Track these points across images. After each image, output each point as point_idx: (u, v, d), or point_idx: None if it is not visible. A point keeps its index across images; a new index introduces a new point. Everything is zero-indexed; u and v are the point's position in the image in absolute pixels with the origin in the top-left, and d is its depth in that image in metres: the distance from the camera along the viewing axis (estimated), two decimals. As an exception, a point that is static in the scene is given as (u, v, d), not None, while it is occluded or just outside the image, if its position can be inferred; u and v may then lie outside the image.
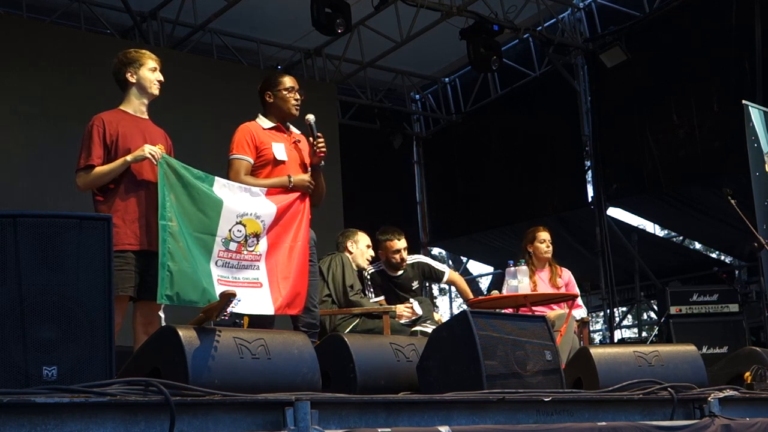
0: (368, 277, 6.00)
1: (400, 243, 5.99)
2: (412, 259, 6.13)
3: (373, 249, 6.01)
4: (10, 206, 6.74)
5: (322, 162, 4.64)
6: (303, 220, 4.45)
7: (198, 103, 9.07)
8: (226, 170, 4.48)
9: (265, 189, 4.33)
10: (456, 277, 6.43)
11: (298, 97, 4.66)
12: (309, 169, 4.65)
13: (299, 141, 4.69)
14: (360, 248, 5.81)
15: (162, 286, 3.75)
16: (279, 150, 4.54)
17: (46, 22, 8.99)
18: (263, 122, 4.64)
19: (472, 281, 13.24)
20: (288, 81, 4.67)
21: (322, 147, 4.59)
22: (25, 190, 7.97)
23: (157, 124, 4.41)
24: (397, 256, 5.96)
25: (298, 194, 4.45)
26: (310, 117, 4.62)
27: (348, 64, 10.81)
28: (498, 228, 11.59)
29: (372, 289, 5.97)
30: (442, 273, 6.22)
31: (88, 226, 2.91)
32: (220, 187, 4.13)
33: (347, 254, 5.73)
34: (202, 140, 8.04)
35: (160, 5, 9.40)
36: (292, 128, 4.74)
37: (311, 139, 4.63)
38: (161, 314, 3.92)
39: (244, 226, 4.15)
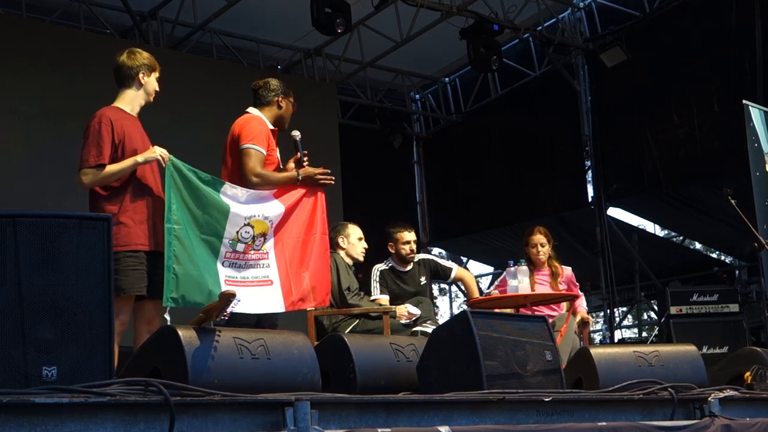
0: (377, 273, 6.00)
1: (410, 235, 6.04)
2: (418, 257, 6.16)
3: (386, 244, 6.02)
4: (10, 206, 6.74)
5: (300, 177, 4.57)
6: (317, 212, 4.42)
7: (198, 103, 9.06)
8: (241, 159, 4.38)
9: (274, 190, 4.32)
10: (464, 273, 6.42)
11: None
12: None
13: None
14: (351, 242, 5.74)
15: (167, 288, 3.76)
16: (279, 156, 4.58)
17: (46, 22, 8.99)
18: (267, 122, 4.60)
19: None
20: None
21: (308, 165, 4.53)
22: (25, 190, 7.96)
23: (156, 123, 4.42)
24: (407, 247, 6.00)
25: (305, 190, 4.41)
26: (296, 133, 4.58)
27: (348, 64, 10.81)
28: (498, 228, 11.59)
29: (378, 286, 5.96)
30: (450, 270, 6.24)
31: (88, 226, 2.91)
32: (229, 192, 4.11)
33: (340, 252, 5.68)
34: (201, 140, 8.03)
35: (160, 5, 9.40)
36: None
37: (298, 155, 4.55)
38: (167, 316, 3.92)
39: (252, 227, 4.15)
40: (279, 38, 10.37)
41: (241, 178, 4.31)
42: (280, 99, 4.63)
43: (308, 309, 5.28)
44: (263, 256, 4.21)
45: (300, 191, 4.40)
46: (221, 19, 9.45)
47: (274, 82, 4.67)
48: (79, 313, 2.82)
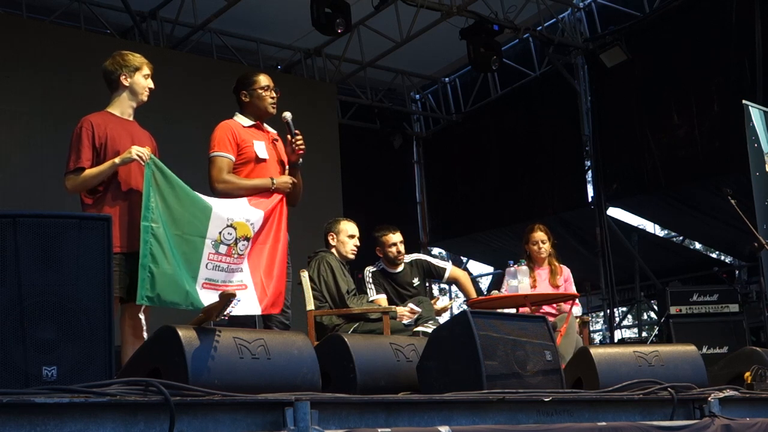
0: (369, 275, 5.98)
1: (395, 236, 5.94)
2: (410, 257, 6.10)
3: (376, 248, 5.99)
4: (10, 206, 6.73)
5: (301, 160, 4.61)
6: (282, 219, 4.45)
7: (197, 103, 9.06)
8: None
9: (247, 197, 4.34)
10: (458, 273, 6.34)
11: (274, 95, 4.63)
12: (287, 167, 4.63)
13: (277, 140, 4.68)
14: (342, 239, 5.62)
15: (142, 287, 3.76)
16: (260, 148, 4.53)
17: (46, 22, 8.99)
18: (242, 120, 4.62)
19: (472, 281, 13.21)
20: (263, 79, 4.63)
21: (301, 144, 4.57)
22: (25, 190, 7.96)
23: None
24: (394, 249, 5.92)
25: (281, 197, 4.45)
26: (287, 114, 4.57)
27: (348, 64, 10.82)
28: (498, 228, 11.59)
29: (372, 287, 5.94)
30: (443, 269, 6.18)
31: (88, 226, 2.92)
32: (205, 197, 4.13)
33: (332, 252, 5.61)
34: (200, 140, 8.02)
35: (160, 5, 9.40)
36: (267, 126, 4.72)
37: (289, 137, 4.59)
38: (141, 316, 3.91)
39: (235, 229, 4.15)
40: (279, 38, 10.37)
41: None
42: (242, 93, 4.64)
43: (308, 309, 5.30)
44: (241, 260, 4.21)
45: (276, 197, 4.43)
46: (221, 19, 9.45)
47: (236, 82, 4.69)
48: (79, 313, 2.82)
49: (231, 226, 4.12)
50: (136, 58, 4.30)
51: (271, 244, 4.36)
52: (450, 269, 6.24)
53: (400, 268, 6.02)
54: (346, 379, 3.52)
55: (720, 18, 9.10)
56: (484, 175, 11.64)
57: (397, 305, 5.60)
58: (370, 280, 5.94)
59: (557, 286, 6.18)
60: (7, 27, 8.48)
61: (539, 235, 6.27)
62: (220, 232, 4.08)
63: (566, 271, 6.34)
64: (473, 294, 6.31)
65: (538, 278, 6.20)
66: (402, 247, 5.98)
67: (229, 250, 4.13)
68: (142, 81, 4.28)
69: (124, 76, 4.26)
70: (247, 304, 4.17)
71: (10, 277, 2.72)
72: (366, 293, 5.85)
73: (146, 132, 4.36)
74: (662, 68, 9.66)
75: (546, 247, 6.26)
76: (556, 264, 6.29)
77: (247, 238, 4.20)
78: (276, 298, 4.33)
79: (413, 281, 6.03)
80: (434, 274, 6.20)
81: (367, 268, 6.00)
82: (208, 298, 3.88)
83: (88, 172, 4.08)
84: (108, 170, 4.07)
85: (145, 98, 4.32)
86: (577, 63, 10.74)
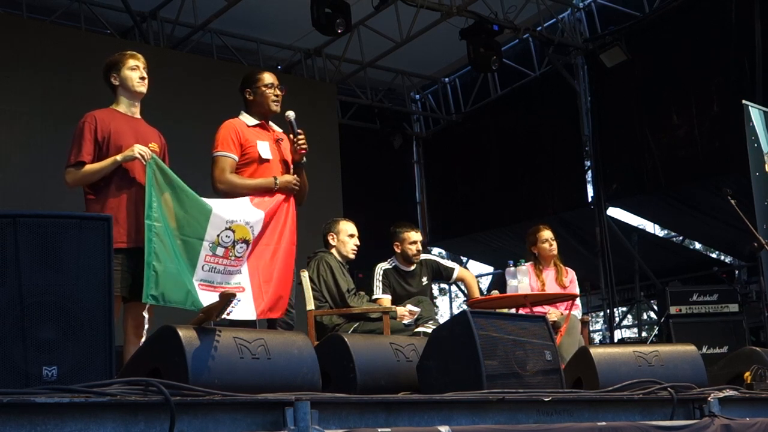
0: (381, 272, 5.99)
1: (417, 235, 6.02)
2: (421, 257, 6.15)
3: (392, 243, 6.01)
4: (10, 206, 6.73)
5: (304, 159, 4.60)
6: (288, 221, 4.43)
7: (197, 103, 9.06)
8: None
9: (250, 197, 4.33)
10: (466, 273, 6.40)
11: (278, 93, 4.62)
12: (291, 167, 4.63)
13: (281, 139, 4.66)
14: (342, 239, 5.65)
15: (147, 285, 3.75)
16: (264, 148, 4.52)
17: (46, 22, 9.00)
18: (247, 120, 4.61)
19: (472, 281, 13.22)
20: (267, 77, 4.64)
21: (303, 144, 4.56)
22: (25, 190, 7.96)
23: (156, 123, 4.41)
24: (413, 248, 5.97)
25: (283, 197, 4.43)
26: (290, 114, 4.58)
27: (348, 64, 10.82)
28: (498, 228, 11.60)
29: (380, 285, 5.95)
30: (452, 270, 6.22)
31: (88, 226, 2.92)
32: (206, 198, 4.12)
33: (331, 252, 5.63)
34: (202, 140, 8.02)
35: (160, 5, 9.41)
36: (273, 126, 4.71)
37: (291, 136, 4.59)
38: (145, 314, 3.91)
39: (233, 231, 4.13)
40: (279, 38, 10.37)
41: None
42: (246, 92, 4.65)
43: (308, 309, 5.30)
44: (239, 262, 4.20)
45: (279, 197, 4.41)
46: (221, 20, 9.45)
47: (241, 81, 4.69)
48: (80, 312, 2.82)
49: (230, 228, 4.11)
50: (120, 55, 4.31)
51: (274, 246, 4.33)
52: (458, 270, 6.29)
53: (413, 267, 6.06)
54: (346, 379, 3.52)
55: (720, 18, 9.10)
56: (484, 175, 11.64)
57: (405, 304, 5.63)
58: (380, 278, 5.96)
59: (564, 286, 6.21)
60: (7, 27, 8.48)
61: (548, 233, 6.33)
62: (218, 235, 4.07)
63: (571, 273, 6.39)
64: (477, 295, 6.33)
65: (546, 279, 6.22)
66: (420, 247, 6.05)
67: (227, 253, 4.11)
68: (130, 74, 4.27)
69: (113, 77, 4.28)
70: (243, 307, 4.14)
71: (10, 277, 2.72)
72: (373, 290, 5.87)
73: (154, 129, 4.35)
74: (662, 68, 9.66)
75: (555, 245, 6.31)
76: (561, 265, 6.34)
77: (245, 241, 4.18)
78: (275, 303, 4.29)
79: (423, 280, 6.07)
80: (443, 274, 6.25)
81: (379, 265, 6.02)
82: (204, 298, 3.87)
83: (89, 167, 4.08)
84: (109, 167, 4.07)
85: (141, 89, 4.29)
86: (577, 63, 10.75)
